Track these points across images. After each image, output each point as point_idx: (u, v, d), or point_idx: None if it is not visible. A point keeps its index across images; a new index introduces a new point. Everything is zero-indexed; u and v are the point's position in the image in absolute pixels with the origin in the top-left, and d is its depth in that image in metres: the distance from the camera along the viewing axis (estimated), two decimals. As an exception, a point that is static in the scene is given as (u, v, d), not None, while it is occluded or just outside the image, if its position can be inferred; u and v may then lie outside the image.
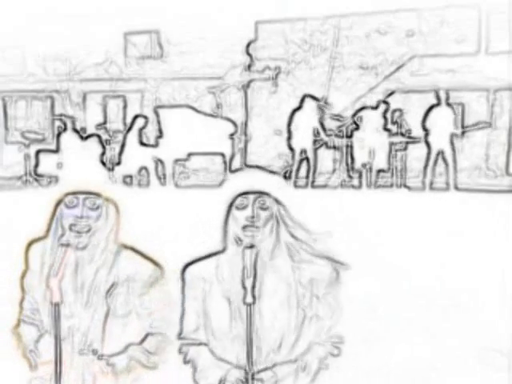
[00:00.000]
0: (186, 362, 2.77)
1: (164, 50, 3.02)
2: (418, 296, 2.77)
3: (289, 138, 2.96)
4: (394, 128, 2.94)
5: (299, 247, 2.70)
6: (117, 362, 2.79)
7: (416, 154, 2.93)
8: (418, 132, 2.91)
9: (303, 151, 2.96)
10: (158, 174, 3.04)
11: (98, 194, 2.81)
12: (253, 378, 2.67)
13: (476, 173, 2.90)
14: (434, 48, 2.90)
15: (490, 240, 2.77)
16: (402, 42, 2.92)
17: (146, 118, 3.03)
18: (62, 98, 3.07)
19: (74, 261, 2.77)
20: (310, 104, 2.93)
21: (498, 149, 2.87)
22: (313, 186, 2.97)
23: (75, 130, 3.02)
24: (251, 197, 2.70)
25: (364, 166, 2.97)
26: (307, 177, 2.97)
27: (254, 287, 2.66)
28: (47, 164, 3.02)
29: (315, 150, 2.97)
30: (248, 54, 2.98)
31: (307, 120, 2.94)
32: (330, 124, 2.96)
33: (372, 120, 2.94)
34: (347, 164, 2.98)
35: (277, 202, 2.72)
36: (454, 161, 2.89)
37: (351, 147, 2.97)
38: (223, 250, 2.74)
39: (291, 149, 2.96)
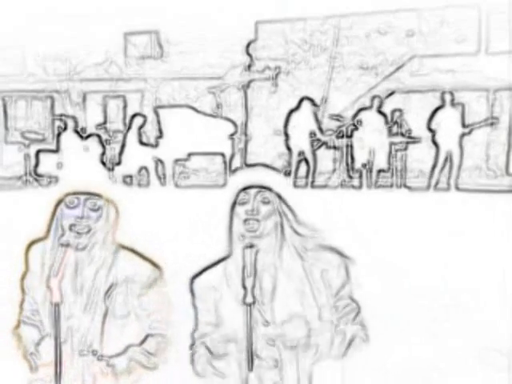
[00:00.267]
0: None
1: (164, 49, 3.02)
2: (417, 296, 2.77)
3: (286, 138, 2.96)
4: (394, 128, 2.94)
5: (304, 241, 2.70)
6: (117, 363, 2.79)
7: (416, 154, 2.93)
8: (418, 132, 2.91)
9: (301, 152, 2.96)
10: (158, 173, 3.04)
11: (98, 195, 2.81)
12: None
13: (476, 173, 2.90)
14: (434, 48, 2.90)
15: (490, 240, 2.77)
16: (402, 42, 2.92)
17: (144, 116, 3.03)
18: (62, 97, 3.07)
19: (74, 261, 2.77)
20: (307, 105, 2.93)
21: (498, 149, 2.87)
22: (312, 186, 2.97)
23: (75, 130, 3.03)
24: (252, 191, 2.70)
25: (364, 166, 2.97)
26: (307, 177, 2.97)
27: (253, 287, 2.66)
28: (47, 164, 3.02)
29: (314, 151, 2.97)
30: (248, 54, 2.98)
31: (304, 121, 2.94)
32: (329, 124, 2.96)
33: (372, 120, 2.94)
34: (347, 164, 2.98)
35: (279, 197, 2.71)
36: (461, 161, 2.89)
37: (351, 147, 2.97)
38: (229, 255, 2.74)
39: (289, 149, 2.96)
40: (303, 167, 2.97)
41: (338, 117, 2.96)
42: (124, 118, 3.06)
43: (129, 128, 3.02)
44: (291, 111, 2.94)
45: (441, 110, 2.88)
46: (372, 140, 2.96)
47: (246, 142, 3.02)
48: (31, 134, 3.09)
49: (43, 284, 2.79)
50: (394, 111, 2.93)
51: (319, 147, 2.98)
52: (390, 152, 2.96)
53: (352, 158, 2.98)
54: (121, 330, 2.79)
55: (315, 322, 2.65)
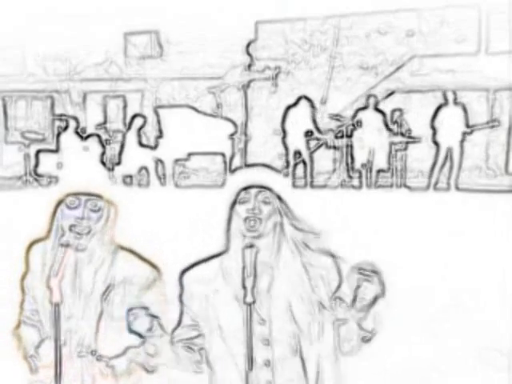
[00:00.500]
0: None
1: (164, 49, 3.02)
2: (417, 296, 2.77)
3: (284, 136, 2.96)
4: (394, 128, 2.94)
5: (305, 242, 2.70)
6: (116, 364, 2.79)
7: (416, 153, 2.93)
8: (418, 132, 2.91)
9: (298, 152, 2.96)
10: (158, 173, 3.04)
11: (99, 196, 2.80)
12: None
13: (476, 172, 2.90)
14: (434, 48, 2.90)
15: (490, 240, 2.77)
16: (402, 42, 2.92)
17: (144, 117, 3.03)
18: (62, 97, 3.08)
19: (74, 261, 2.77)
20: (305, 104, 2.93)
21: (497, 148, 2.87)
22: (312, 186, 2.97)
23: (75, 130, 3.03)
24: (253, 191, 2.70)
25: (364, 165, 2.97)
26: (305, 177, 2.97)
27: (254, 287, 2.66)
28: (47, 164, 3.02)
29: (311, 150, 2.97)
30: (248, 53, 2.98)
31: (302, 119, 2.94)
32: (328, 124, 2.96)
33: (371, 120, 2.94)
34: (347, 164, 2.98)
35: (279, 198, 2.71)
36: (461, 160, 2.89)
37: (351, 147, 2.97)
38: (225, 251, 2.73)
39: (286, 148, 2.96)
40: (301, 166, 2.97)
41: (337, 117, 2.96)
42: (124, 117, 3.06)
43: (128, 128, 3.02)
44: (289, 107, 2.94)
45: (443, 108, 2.88)
46: (372, 140, 2.96)
47: (246, 142, 3.02)
48: (31, 134, 3.09)
49: (43, 284, 2.78)
50: (394, 111, 2.93)
51: (319, 147, 2.98)
52: (390, 152, 2.96)
53: (352, 158, 2.98)
54: (120, 332, 2.78)
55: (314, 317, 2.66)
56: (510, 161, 2.88)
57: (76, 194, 2.79)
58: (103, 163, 2.98)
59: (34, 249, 2.82)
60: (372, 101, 2.92)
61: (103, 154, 3.00)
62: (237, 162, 3.00)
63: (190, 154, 3.03)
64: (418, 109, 2.91)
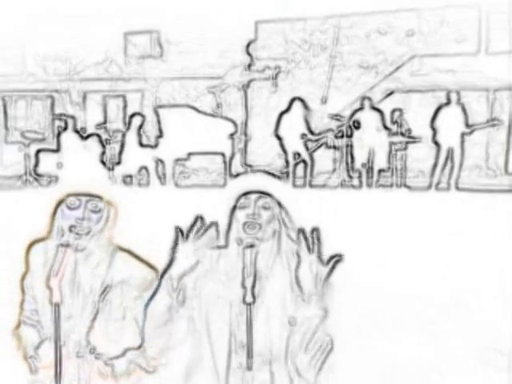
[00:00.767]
0: None
1: (164, 49, 3.03)
2: (417, 296, 2.77)
3: (280, 140, 2.97)
4: (393, 127, 2.94)
5: (298, 252, 2.70)
6: (116, 364, 2.78)
7: (416, 153, 2.93)
8: (418, 132, 2.91)
9: (296, 153, 2.97)
10: (158, 173, 3.04)
11: (99, 197, 2.80)
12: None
13: (476, 172, 2.90)
14: (434, 48, 2.90)
15: (490, 240, 2.77)
16: (402, 42, 2.92)
17: (143, 116, 3.03)
18: (62, 97, 3.08)
19: (74, 261, 2.77)
20: (298, 106, 2.94)
21: (497, 148, 2.87)
22: (311, 186, 2.97)
23: (75, 130, 3.03)
24: (253, 197, 2.70)
25: (364, 165, 2.97)
26: (305, 176, 2.97)
27: (253, 287, 2.66)
28: (47, 164, 3.02)
29: (312, 151, 2.97)
30: (248, 53, 2.98)
31: (295, 123, 2.94)
32: (328, 124, 2.96)
33: (370, 120, 2.94)
34: (347, 164, 2.98)
35: (279, 204, 2.71)
36: (462, 160, 2.89)
37: (351, 147, 2.97)
38: (225, 246, 2.73)
39: (284, 151, 2.96)
40: (301, 166, 2.97)
41: (337, 117, 2.96)
42: (124, 117, 3.07)
43: (128, 128, 3.03)
44: (282, 113, 2.95)
45: (444, 108, 2.88)
46: (372, 140, 2.96)
47: (246, 142, 3.02)
48: (31, 134, 3.09)
49: (43, 284, 2.79)
50: (393, 111, 2.93)
51: (319, 147, 2.98)
52: (390, 152, 2.96)
53: (352, 158, 2.98)
54: (119, 333, 2.78)
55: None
56: (510, 161, 2.88)
57: (77, 195, 2.79)
58: (103, 163, 2.99)
59: (34, 249, 2.83)
60: (367, 103, 2.92)
61: (103, 153, 3.00)
62: (237, 161, 3.01)
63: (190, 154, 3.03)
64: (417, 109, 2.91)
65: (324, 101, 2.95)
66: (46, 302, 2.79)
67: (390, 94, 2.93)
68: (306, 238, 2.65)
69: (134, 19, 2.94)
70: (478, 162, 2.90)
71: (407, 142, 2.93)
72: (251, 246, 2.67)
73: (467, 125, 2.88)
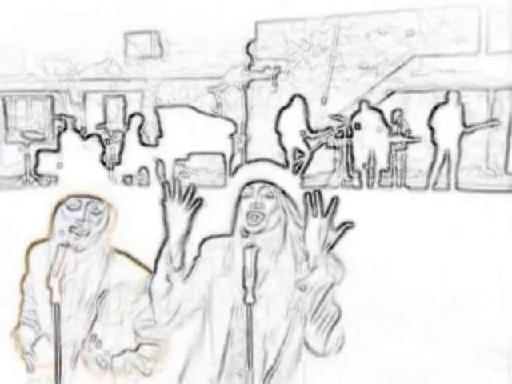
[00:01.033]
0: None
1: (164, 49, 3.02)
2: (417, 296, 2.77)
3: (279, 137, 2.97)
4: (394, 127, 2.94)
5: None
6: (114, 360, 2.79)
7: (416, 153, 2.93)
8: (418, 132, 2.91)
9: (296, 151, 2.97)
10: (158, 173, 3.04)
11: (100, 199, 2.81)
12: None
13: (476, 172, 2.90)
14: (434, 48, 2.90)
15: (489, 240, 2.77)
16: (402, 42, 2.91)
17: (142, 116, 3.03)
18: (62, 97, 3.08)
19: (73, 262, 2.77)
20: (298, 103, 2.94)
21: (497, 148, 2.87)
22: (311, 186, 2.96)
23: (75, 130, 3.03)
24: (256, 186, 2.70)
25: (364, 165, 2.98)
26: (304, 176, 2.97)
27: (254, 287, 2.66)
28: (47, 164, 3.02)
29: (312, 151, 2.97)
30: (248, 53, 2.98)
31: (296, 119, 2.94)
32: (328, 124, 2.96)
33: (371, 120, 2.94)
34: (347, 164, 2.98)
35: (283, 192, 2.71)
36: (459, 160, 2.89)
37: (351, 147, 2.98)
38: (231, 234, 2.73)
39: (284, 150, 2.96)
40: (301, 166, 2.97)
41: (338, 117, 2.96)
42: (124, 117, 3.07)
43: (128, 128, 3.03)
44: (282, 109, 2.95)
45: (441, 108, 2.88)
46: (372, 140, 2.96)
47: (246, 142, 3.02)
48: (31, 134, 3.09)
49: (43, 284, 2.79)
50: (394, 111, 2.93)
51: (320, 146, 2.98)
52: (390, 152, 2.97)
53: (352, 158, 2.98)
54: (116, 336, 2.78)
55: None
56: (510, 161, 2.88)
57: (77, 196, 2.79)
58: (103, 163, 2.99)
59: (35, 249, 2.83)
60: (364, 105, 2.92)
61: (103, 153, 3.00)
62: (237, 161, 3.01)
63: (190, 154, 3.03)
64: (418, 109, 2.91)
65: (324, 101, 2.95)
66: (45, 302, 2.79)
67: (391, 94, 2.93)
68: (314, 202, 2.64)
69: (134, 19, 2.94)
70: (477, 161, 2.90)
71: (407, 142, 2.93)
72: (251, 246, 2.67)
73: (465, 125, 2.88)
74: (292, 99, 2.95)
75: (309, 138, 2.97)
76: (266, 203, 2.67)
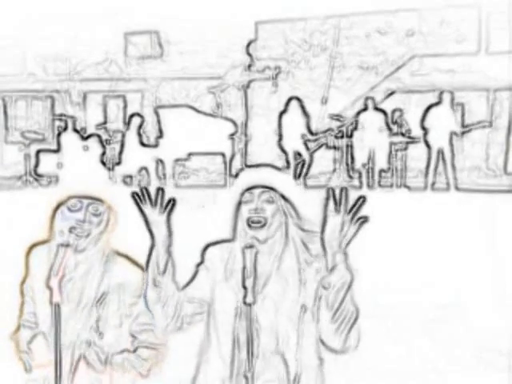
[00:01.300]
0: None
1: (164, 49, 3.02)
2: (417, 296, 2.77)
3: (280, 139, 2.97)
4: (394, 128, 2.94)
5: (309, 239, 2.69)
6: (114, 357, 2.79)
7: (416, 153, 2.93)
8: (418, 132, 2.91)
9: (298, 153, 2.97)
10: (158, 173, 3.04)
11: (101, 200, 2.80)
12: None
13: (475, 172, 2.90)
14: (434, 48, 2.90)
15: (489, 240, 2.77)
16: (402, 42, 2.92)
17: (141, 116, 3.03)
18: (62, 97, 3.08)
19: (73, 262, 2.77)
20: (295, 106, 2.94)
21: (497, 148, 2.87)
22: (311, 186, 2.97)
23: (75, 130, 3.03)
24: (256, 191, 2.69)
25: (364, 165, 2.98)
26: (304, 177, 2.97)
27: (254, 287, 2.66)
28: (47, 164, 3.02)
29: (312, 151, 2.97)
30: (248, 53, 2.98)
31: (294, 122, 2.94)
32: (328, 124, 2.96)
33: (371, 120, 2.94)
34: (347, 164, 2.98)
35: (282, 197, 2.71)
36: (453, 160, 2.89)
37: (351, 147, 2.98)
38: (232, 240, 2.73)
39: (284, 152, 2.96)
40: (301, 166, 2.97)
41: (338, 117, 2.96)
42: (124, 117, 3.07)
43: (128, 128, 3.03)
44: (281, 113, 2.95)
45: (435, 108, 2.88)
46: (372, 140, 2.96)
47: (246, 142, 3.02)
48: (31, 134, 3.09)
49: (43, 285, 2.78)
50: (394, 111, 2.93)
51: (320, 147, 2.98)
52: (390, 152, 2.97)
53: (352, 158, 2.98)
54: (115, 338, 2.78)
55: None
56: (510, 161, 2.88)
57: (78, 197, 2.79)
58: (103, 163, 2.99)
59: (35, 250, 2.83)
60: (370, 103, 2.92)
61: (103, 153, 3.00)
62: (237, 162, 3.01)
63: (190, 154, 3.03)
64: (418, 109, 2.91)
65: (324, 101, 2.95)
66: (45, 302, 2.78)
67: (391, 94, 2.93)
68: (334, 198, 2.62)
69: (134, 19, 2.94)
70: (477, 162, 2.90)
71: (407, 142, 2.93)
72: (251, 246, 2.67)
73: (463, 125, 2.88)
74: (288, 103, 2.94)
75: (309, 140, 2.97)
76: (267, 208, 2.67)
